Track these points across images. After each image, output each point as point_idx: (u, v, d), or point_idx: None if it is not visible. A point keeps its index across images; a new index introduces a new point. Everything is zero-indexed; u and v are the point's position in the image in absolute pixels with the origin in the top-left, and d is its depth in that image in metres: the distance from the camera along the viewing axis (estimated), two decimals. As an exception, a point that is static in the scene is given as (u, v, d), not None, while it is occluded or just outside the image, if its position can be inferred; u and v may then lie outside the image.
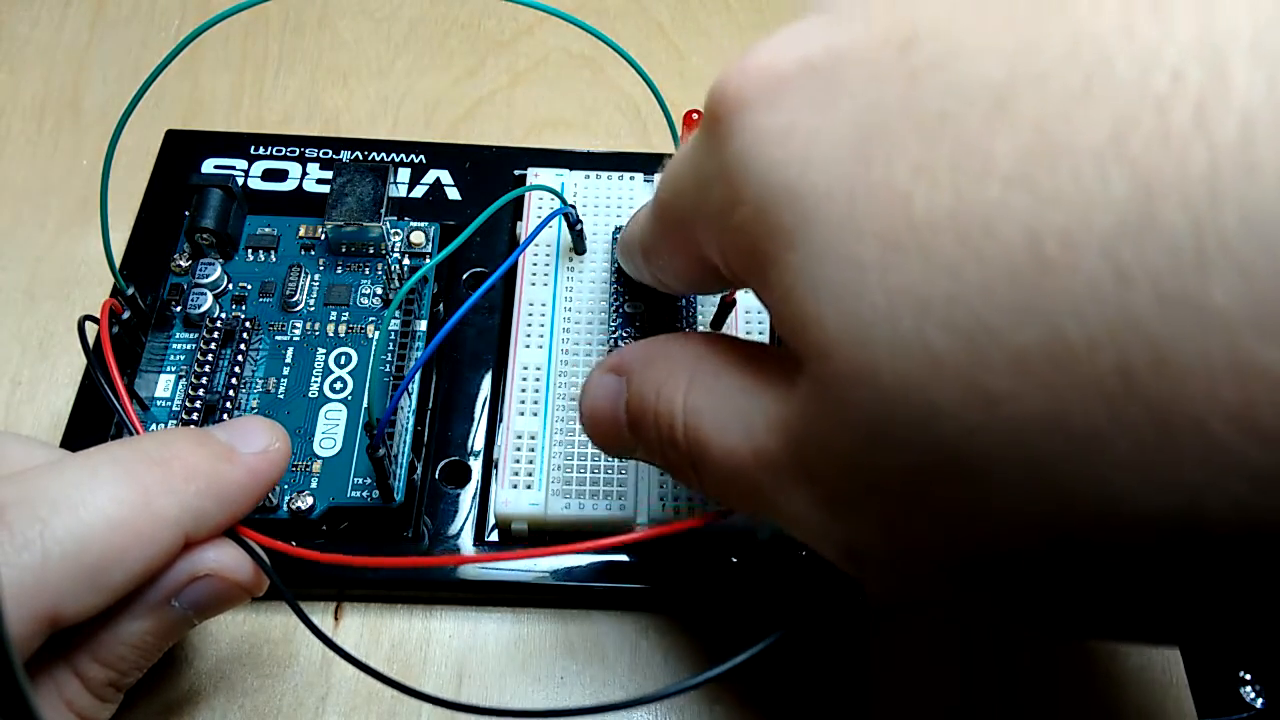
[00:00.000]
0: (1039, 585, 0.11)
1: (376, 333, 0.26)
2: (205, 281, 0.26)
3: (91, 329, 0.22)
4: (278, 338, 0.26)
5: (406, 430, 0.25)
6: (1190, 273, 0.08)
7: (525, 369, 0.25)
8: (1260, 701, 0.22)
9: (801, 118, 0.12)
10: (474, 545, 0.24)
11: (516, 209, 0.28)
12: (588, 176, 0.28)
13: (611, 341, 0.25)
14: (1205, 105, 0.08)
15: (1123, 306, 0.09)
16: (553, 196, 0.27)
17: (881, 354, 0.11)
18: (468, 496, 0.25)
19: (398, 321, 0.26)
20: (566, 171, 0.29)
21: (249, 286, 0.27)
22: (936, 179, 0.10)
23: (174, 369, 0.25)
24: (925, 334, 0.10)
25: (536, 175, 0.29)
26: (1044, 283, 0.09)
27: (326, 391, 0.25)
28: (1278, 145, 0.08)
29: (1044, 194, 0.09)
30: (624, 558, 0.24)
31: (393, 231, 0.27)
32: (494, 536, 0.24)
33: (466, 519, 0.24)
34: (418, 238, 0.27)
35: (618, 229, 0.27)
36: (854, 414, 0.11)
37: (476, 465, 0.25)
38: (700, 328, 0.25)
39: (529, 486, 0.23)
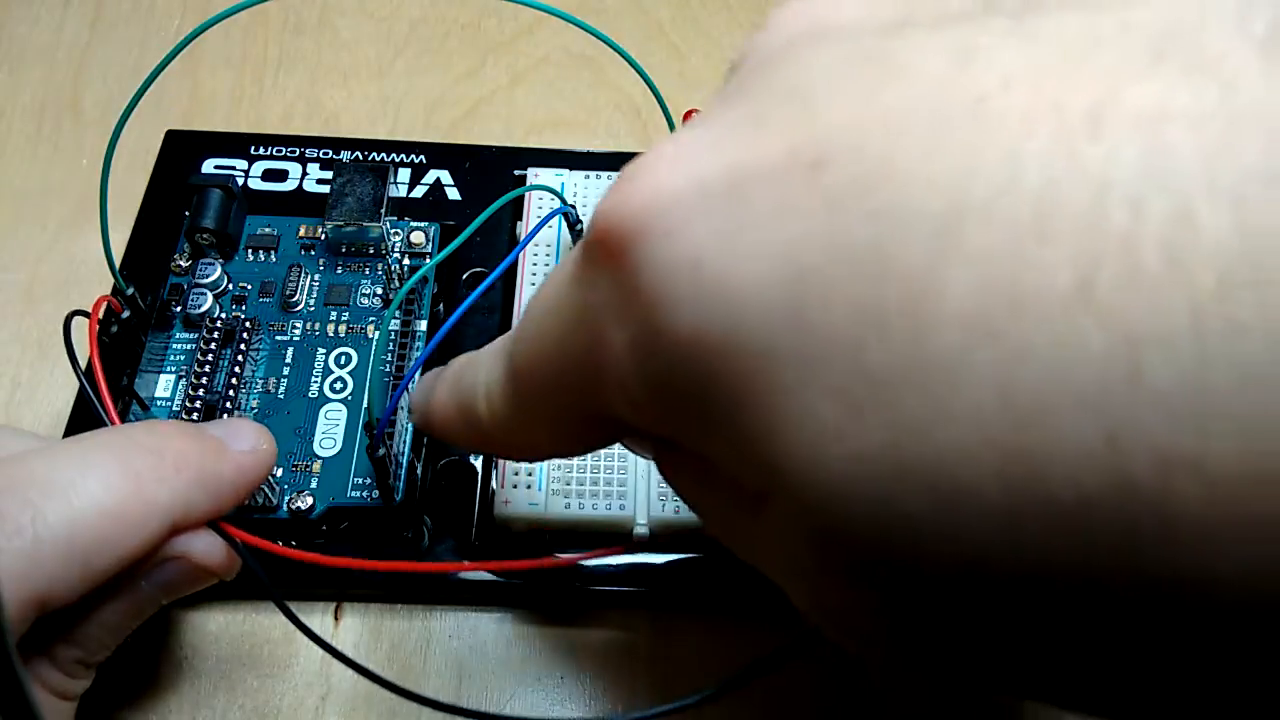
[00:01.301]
0: (1010, 667, 0.11)
1: (376, 333, 0.26)
2: (205, 281, 0.26)
3: (78, 325, 0.22)
4: (278, 338, 0.26)
5: (406, 430, 0.25)
6: (1188, 437, 0.08)
7: (525, 369, 0.25)
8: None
9: (709, 250, 0.10)
10: (474, 539, 0.24)
11: (516, 209, 0.28)
12: (587, 176, 0.28)
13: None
14: (1176, 247, 0.08)
15: (1119, 470, 0.08)
16: (553, 196, 0.27)
17: (856, 516, 0.10)
18: (468, 496, 0.25)
19: (398, 321, 0.26)
20: (566, 171, 0.29)
21: (249, 286, 0.27)
22: (885, 324, 0.09)
23: (174, 369, 0.25)
24: (902, 501, 0.09)
25: (536, 175, 0.29)
26: (1026, 444, 0.08)
27: (326, 391, 0.25)
28: (1258, 299, 0.08)
29: (1011, 345, 0.08)
30: (623, 560, 0.24)
31: (393, 231, 0.27)
32: (492, 536, 0.24)
33: (466, 519, 0.24)
34: (418, 238, 0.27)
35: (618, 229, 0.27)
36: (829, 561, 0.11)
37: (477, 465, 0.25)
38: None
39: (529, 486, 0.23)
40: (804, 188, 0.10)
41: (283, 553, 0.19)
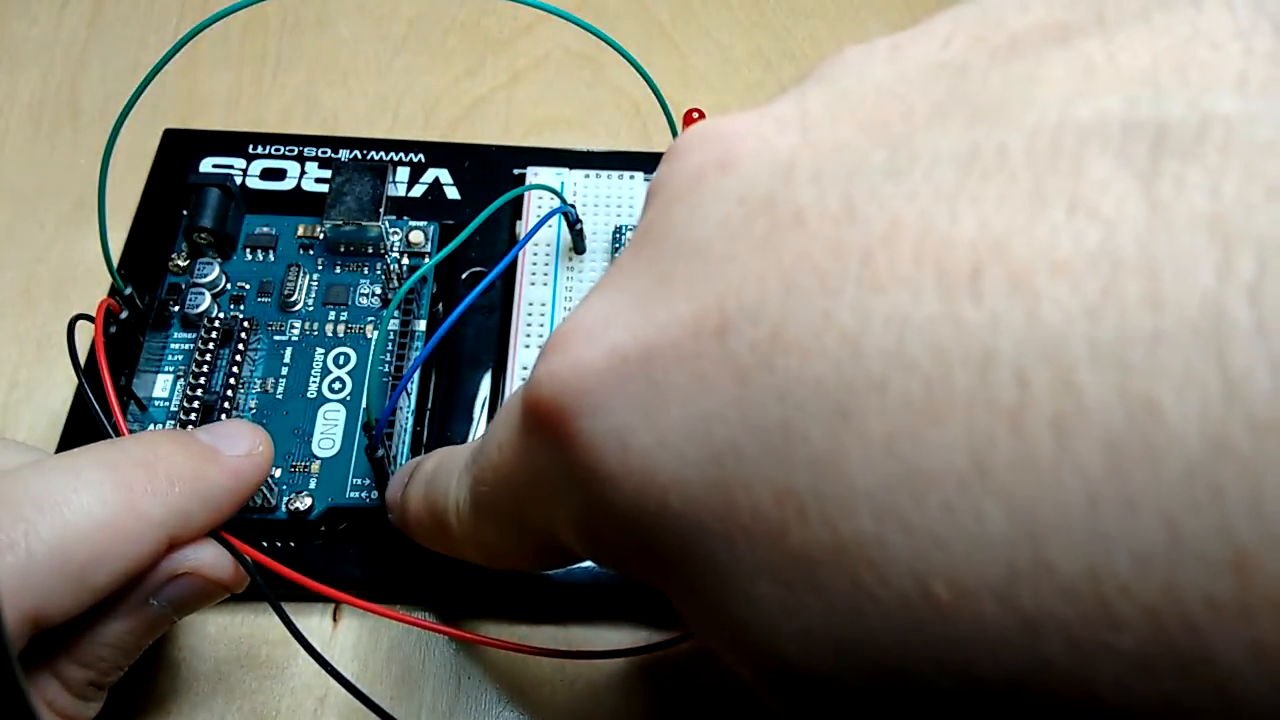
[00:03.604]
0: None
1: (375, 332, 0.26)
2: (203, 281, 0.26)
3: (81, 329, 0.22)
4: (276, 337, 0.26)
5: (405, 430, 0.24)
6: (1098, 622, 0.08)
7: (525, 369, 0.25)
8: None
9: (632, 429, 0.11)
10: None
11: (516, 208, 0.28)
12: (587, 175, 0.28)
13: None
14: (1063, 425, 0.08)
15: (1035, 653, 0.08)
16: (552, 195, 0.27)
17: (807, 684, 0.10)
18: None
19: (396, 321, 0.26)
20: (566, 170, 0.29)
21: (247, 286, 0.26)
22: (804, 510, 0.09)
23: (172, 369, 0.25)
24: (845, 677, 0.09)
25: (536, 174, 0.28)
26: (948, 630, 0.08)
27: (325, 391, 0.25)
28: (1150, 477, 0.07)
29: (919, 531, 0.08)
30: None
31: (392, 231, 0.27)
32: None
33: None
34: (417, 237, 0.27)
35: (618, 229, 0.27)
36: (786, 705, 0.11)
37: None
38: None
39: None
40: (713, 358, 0.10)
41: (279, 569, 0.19)
